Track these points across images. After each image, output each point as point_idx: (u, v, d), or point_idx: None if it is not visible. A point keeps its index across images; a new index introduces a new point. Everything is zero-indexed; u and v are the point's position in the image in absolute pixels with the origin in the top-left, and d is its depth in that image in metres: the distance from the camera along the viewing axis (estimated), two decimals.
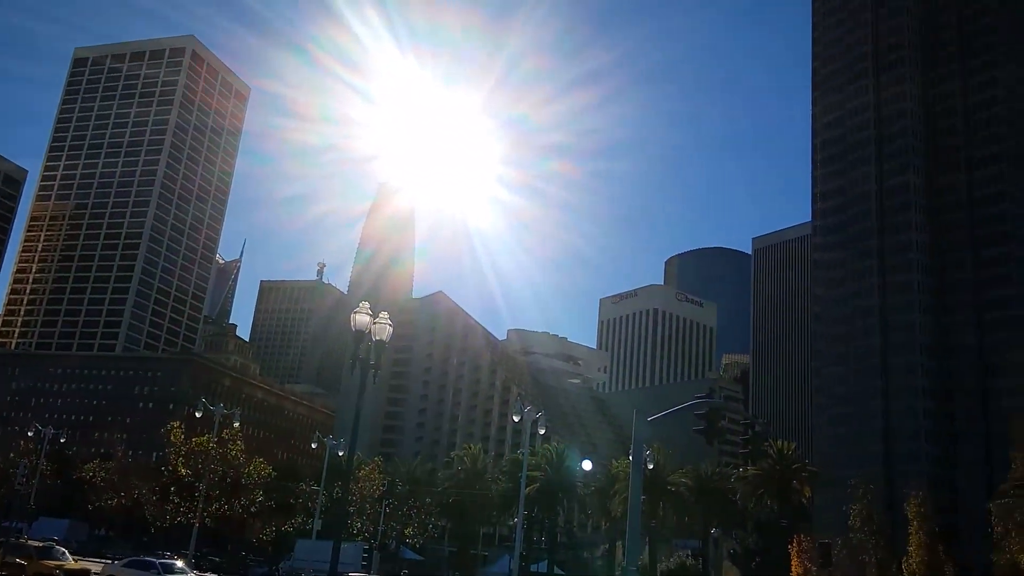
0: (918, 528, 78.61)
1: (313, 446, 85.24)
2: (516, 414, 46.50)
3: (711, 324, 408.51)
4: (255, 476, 70.40)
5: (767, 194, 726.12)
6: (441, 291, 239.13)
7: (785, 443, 75.44)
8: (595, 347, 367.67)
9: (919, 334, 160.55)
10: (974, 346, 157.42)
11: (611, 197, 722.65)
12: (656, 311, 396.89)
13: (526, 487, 53.77)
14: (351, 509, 77.49)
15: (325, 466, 70.55)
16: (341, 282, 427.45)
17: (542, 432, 49.20)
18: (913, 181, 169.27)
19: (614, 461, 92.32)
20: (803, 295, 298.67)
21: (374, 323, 24.75)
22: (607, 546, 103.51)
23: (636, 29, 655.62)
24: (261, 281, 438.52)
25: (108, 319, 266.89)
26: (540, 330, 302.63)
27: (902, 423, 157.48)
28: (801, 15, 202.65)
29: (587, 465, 79.32)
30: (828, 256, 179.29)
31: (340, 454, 75.68)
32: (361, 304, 25.11)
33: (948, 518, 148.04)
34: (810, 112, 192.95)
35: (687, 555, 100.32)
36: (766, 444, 69.24)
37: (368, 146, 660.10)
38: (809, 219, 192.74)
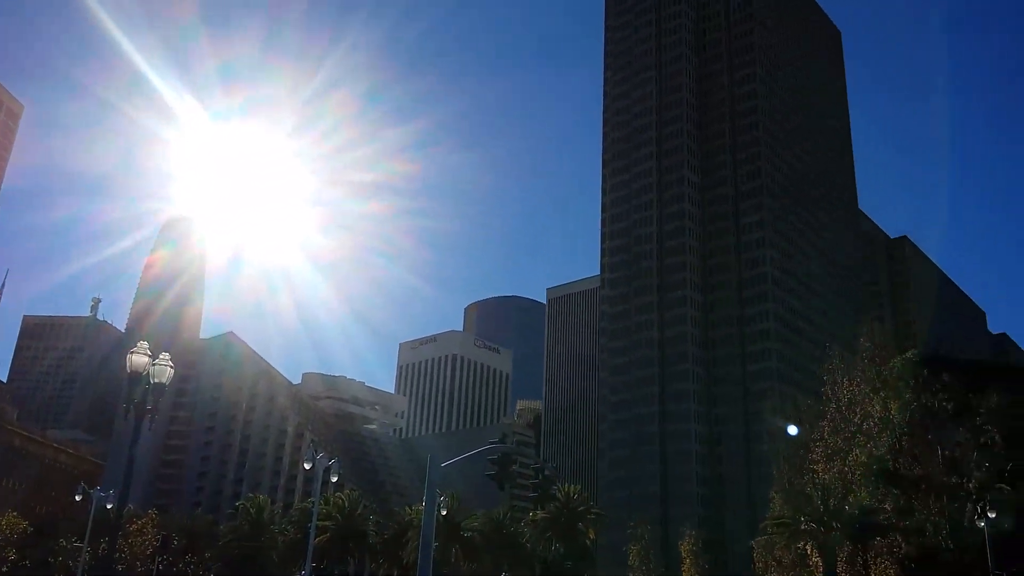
0: (691, 565, 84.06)
1: (77, 498, 77.66)
2: (308, 461, 45.16)
3: (507, 370, 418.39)
4: (7, 532, 63.01)
5: (564, 246, 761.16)
6: (232, 332, 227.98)
7: (572, 487, 78.45)
8: (394, 391, 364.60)
9: (692, 383, 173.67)
10: (739, 396, 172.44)
11: (418, 241, 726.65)
12: (455, 356, 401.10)
13: (316, 536, 52.06)
14: (119, 567, 71.14)
15: (90, 521, 64.54)
16: (120, 320, 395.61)
17: (335, 479, 48.07)
18: (689, 243, 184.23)
19: (407, 508, 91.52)
20: (591, 344, 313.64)
21: (153, 364, 23.37)
22: None
23: (448, 85, 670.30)
24: (24, 316, 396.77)
25: None
26: (339, 373, 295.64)
27: (677, 468, 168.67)
28: (596, 84, 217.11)
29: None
30: (613, 309, 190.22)
31: (108, 507, 69.56)
32: (139, 344, 23.64)
33: (718, 555, 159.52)
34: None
35: None
36: (555, 488, 71.51)
37: (155, 180, 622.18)
38: (599, 272, 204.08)
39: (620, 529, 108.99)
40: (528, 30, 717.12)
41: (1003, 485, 54.79)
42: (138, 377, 22.95)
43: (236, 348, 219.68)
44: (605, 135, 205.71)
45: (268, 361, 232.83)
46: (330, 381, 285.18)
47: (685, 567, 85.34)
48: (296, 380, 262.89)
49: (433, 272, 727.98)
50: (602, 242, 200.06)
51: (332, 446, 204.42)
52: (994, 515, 42.85)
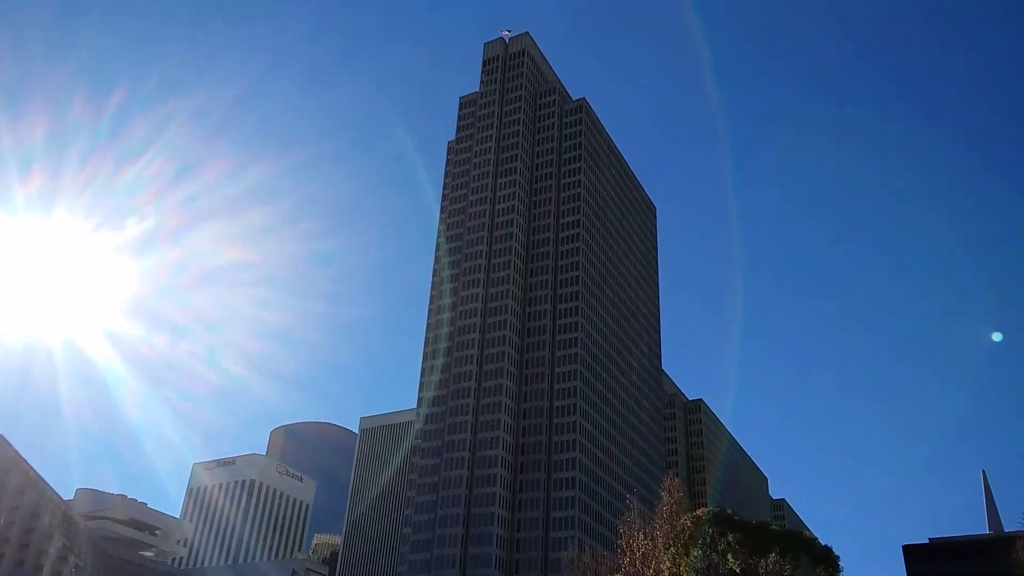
0: None
1: None
2: None
3: (308, 501, 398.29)
4: None
5: (383, 375, 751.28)
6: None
7: None
8: (179, 515, 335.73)
9: (496, 527, 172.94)
10: (540, 543, 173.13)
11: (229, 354, 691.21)
12: (253, 482, 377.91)
13: None
14: None
15: None
16: None
17: None
18: (507, 385, 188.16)
19: None
20: (400, 480, 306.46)
21: None
22: None
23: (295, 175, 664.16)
24: None
25: None
26: (116, 491, 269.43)
27: None
28: (432, 213, 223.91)
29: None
30: (426, 445, 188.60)
31: None
32: None
33: None
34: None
35: None
36: None
37: None
38: (415, 406, 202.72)
39: None
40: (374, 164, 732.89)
41: None
42: None
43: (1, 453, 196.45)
44: (434, 285, 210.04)
45: (37, 471, 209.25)
46: (105, 499, 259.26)
47: None
48: (68, 495, 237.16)
49: (240, 389, 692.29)
50: (421, 376, 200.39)
51: (99, 574, 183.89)
52: None
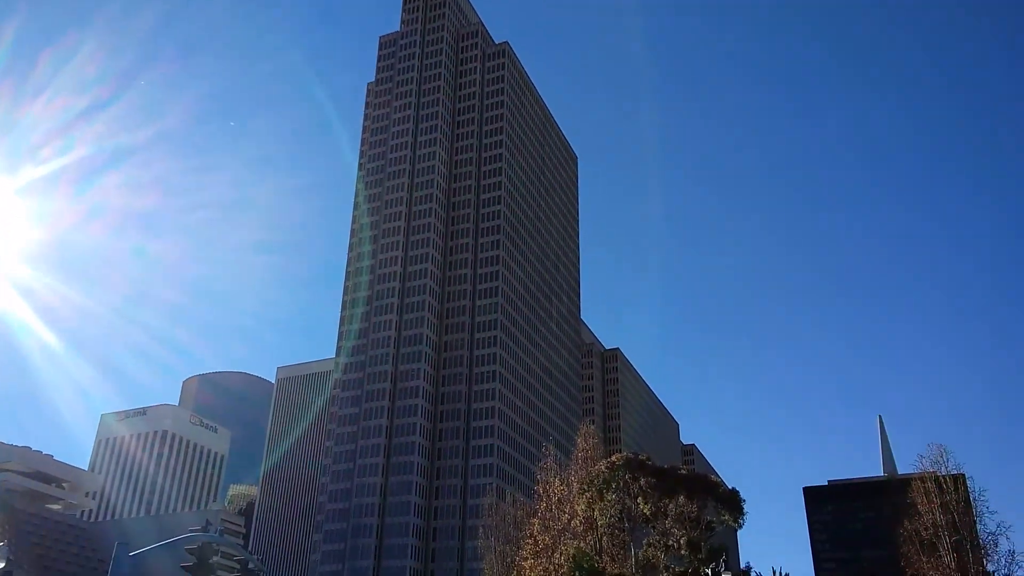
0: None
1: None
2: None
3: (223, 452, 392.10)
4: None
5: (301, 326, 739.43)
6: None
7: None
8: (89, 467, 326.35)
9: (415, 475, 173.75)
10: (458, 490, 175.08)
11: (140, 297, 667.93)
12: (166, 433, 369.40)
13: None
14: None
15: None
16: None
17: (2, 566, 41.81)
18: (427, 334, 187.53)
19: None
20: (319, 430, 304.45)
21: None
22: None
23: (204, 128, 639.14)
24: None
25: None
26: (19, 443, 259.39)
27: (391, 562, 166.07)
28: (350, 165, 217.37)
29: None
30: (345, 394, 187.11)
31: None
32: None
33: None
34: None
35: None
36: None
37: None
38: (334, 355, 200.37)
39: None
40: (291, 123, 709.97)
41: None
42: None
43: None
44: (353, 232, 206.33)
45: None
46: (7, 451, 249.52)
47: None
48: None
49: (152, 337, 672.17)
50: (340, 326, 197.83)
51: (3, 527, 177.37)
52: None
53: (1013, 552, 69.14)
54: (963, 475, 75.80)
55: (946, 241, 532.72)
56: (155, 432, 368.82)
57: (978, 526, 70.99)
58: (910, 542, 69.12)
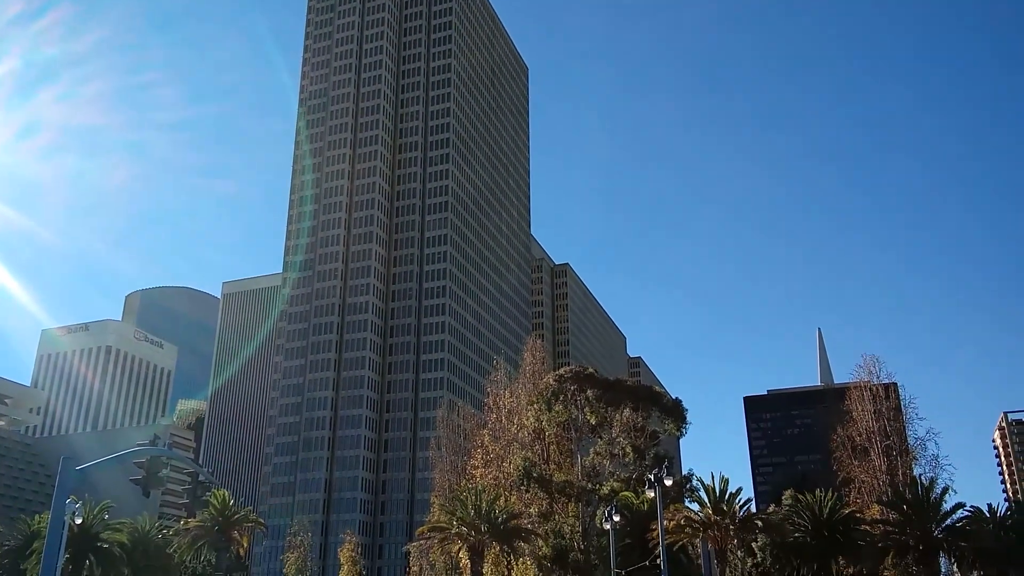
0: (348, 572, 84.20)
1: None
2: None
3: (169, 367, 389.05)
4: None
5: (245, 242, 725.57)
6: None
7: (227, 493, 74.94)
8: (29, 384, 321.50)
9: (367, 389, 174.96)
10: (409, 404, 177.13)
11: (83, 215, 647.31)
12: (110, 348, 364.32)
13: None
14: None
15: None
16: None
17: None
18: (376, 250, 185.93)
19: (36, 516, 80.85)
20: (267, 345, 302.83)
21: None
22: None
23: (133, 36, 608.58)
24: None
25: None
26: None
27: (343, 473, 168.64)
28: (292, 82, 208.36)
29: None
30: (294, 310, 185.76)
31: None
32: None
33: (375, 561, 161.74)
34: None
35: None
36: (209, 495, 67.69)
37: None
38: (281, 270, 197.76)
39: (282, 536, 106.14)
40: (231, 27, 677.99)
41: (628, 492, 62.32)
42: None
43: None
44: (298, 144, 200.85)
45: None
46: None
47: (342, 574, 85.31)
48: None
49: (93, 254, 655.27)
50: (287, 240, 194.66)
51: None
52: (619, 519, 48.29)
53: (938, 456, 72.80)
54: (895, 384, 79.02)
55: (887, 156, 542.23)
56: (99, 347, 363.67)
57: (908, 432, 74.49)
58: (842, 447, 72.37)
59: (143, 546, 77.13)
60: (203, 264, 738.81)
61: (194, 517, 71.59)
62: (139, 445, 42.72)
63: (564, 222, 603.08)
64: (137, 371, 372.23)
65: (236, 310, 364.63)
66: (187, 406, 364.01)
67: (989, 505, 71.60)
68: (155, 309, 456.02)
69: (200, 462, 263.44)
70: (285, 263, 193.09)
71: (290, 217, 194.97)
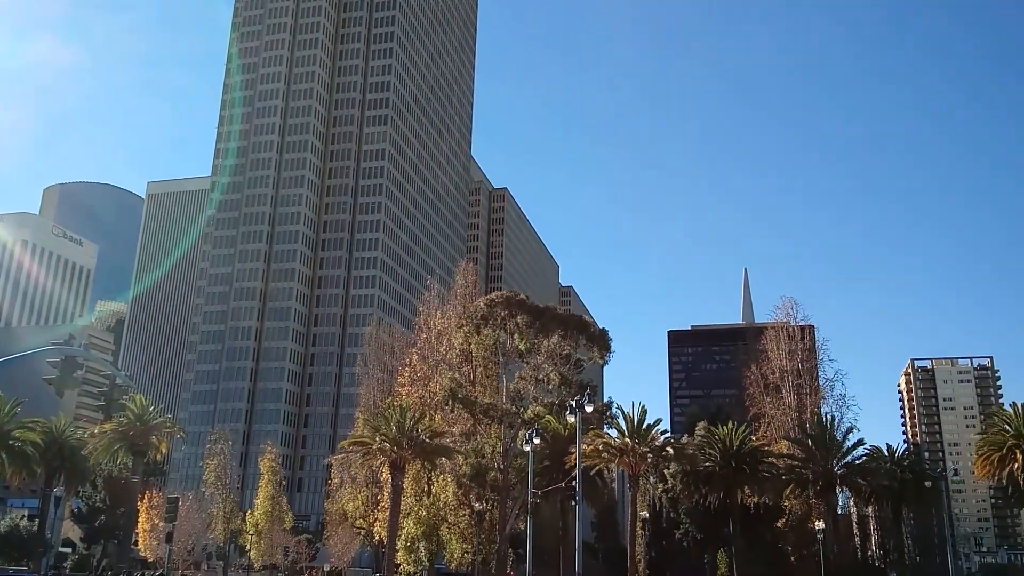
0: (267, 482, 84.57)
1: None
2: None
3: (89, 266, 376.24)
4: None
5: (175, 139, 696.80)
6: None
7: (146, 398, 73.94)
8: None
9: (295, 301, 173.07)
10: (339, 319, 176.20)
11: (7, 93, 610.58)
12: (25, 243, 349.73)
13: None
14: None
15: None
16: None
17: None
18: (311, 159, 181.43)
19: None
20: (193, 250, 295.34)
21: None
22: None
23: None
24: None
25: None
26: None
27: (267, 384, 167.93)
28: None
29: None
30: (223, 215, 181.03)
31: None
32: None
33: (296, 472, 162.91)
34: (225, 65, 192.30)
35: (23, 516, 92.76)
36: (127, 398, 66.65)
37: None
38: (210, 174, 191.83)
39: (202, 444, 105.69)
40: None
41: (550, 417, 63.74)
42: None
43: None
44: (232, 43, 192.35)
45: None
46: None
47: (262, 483, 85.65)
48: None
49: (5, 141, 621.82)
50: (217, 142, 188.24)
51: None
52: (539, 442, 49.49)
53: (844, 396, 76.42)
54: (811, 326, 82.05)
55: (814, 97, 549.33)
56: (13, 241, 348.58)
57: (819, 372, 77.86)
58: (755, 384, 75.40)
59: (58, 446, 75.87)
60: (128, 162, 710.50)
61: (111, 420, 70.55)
62: (53, 344, 41.52)
63: (506, 146, 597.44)
64: (53, 268, 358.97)
65: (162, 212, 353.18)
66: (107, 307, 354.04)
67: (888, 445, 75.94)
68: (75, 204, 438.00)
69: (119, 366, 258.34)
70: (214, 166, 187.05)
71: (221, 118, 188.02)
